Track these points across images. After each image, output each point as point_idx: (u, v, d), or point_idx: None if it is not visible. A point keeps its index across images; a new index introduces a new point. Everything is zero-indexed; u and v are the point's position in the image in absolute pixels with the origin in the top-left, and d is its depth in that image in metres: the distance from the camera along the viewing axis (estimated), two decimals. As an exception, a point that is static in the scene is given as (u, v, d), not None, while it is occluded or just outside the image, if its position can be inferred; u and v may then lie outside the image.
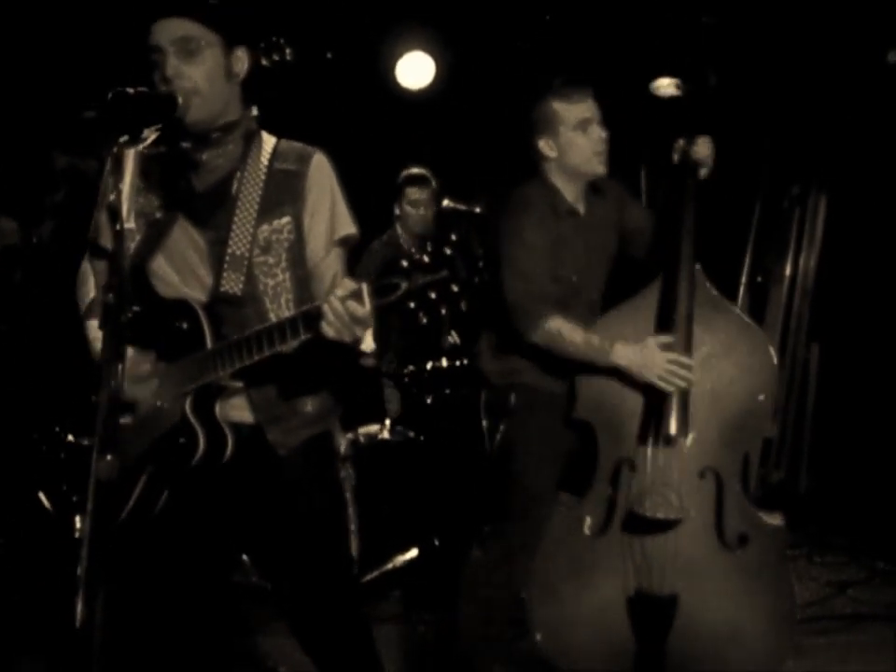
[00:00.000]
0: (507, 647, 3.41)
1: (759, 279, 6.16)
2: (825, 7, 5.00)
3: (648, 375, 3.08)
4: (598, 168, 3.32)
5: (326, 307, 2.14)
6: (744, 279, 6.15)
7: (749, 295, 6.14)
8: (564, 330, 3.14)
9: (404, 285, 2.03)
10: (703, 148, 3.25)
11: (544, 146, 3.31)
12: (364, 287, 2.09)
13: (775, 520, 3.19)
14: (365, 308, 2.09)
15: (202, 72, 2.34)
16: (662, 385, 3.07)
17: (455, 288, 2.02)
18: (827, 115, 5.64)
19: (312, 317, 2.17)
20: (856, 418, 5.70)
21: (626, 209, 3.50)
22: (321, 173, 2.49)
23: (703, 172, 3.26)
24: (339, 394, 2.60)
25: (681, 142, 3.28)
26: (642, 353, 3.09)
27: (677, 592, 3.11)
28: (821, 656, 3.81)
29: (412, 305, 2.03)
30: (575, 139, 3.27)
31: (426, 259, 2.02)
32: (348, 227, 2.51)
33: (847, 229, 5.87)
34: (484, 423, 3.55)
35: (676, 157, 3.29)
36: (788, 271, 6.16)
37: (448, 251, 2.02)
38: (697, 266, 3.19)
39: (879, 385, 5.60)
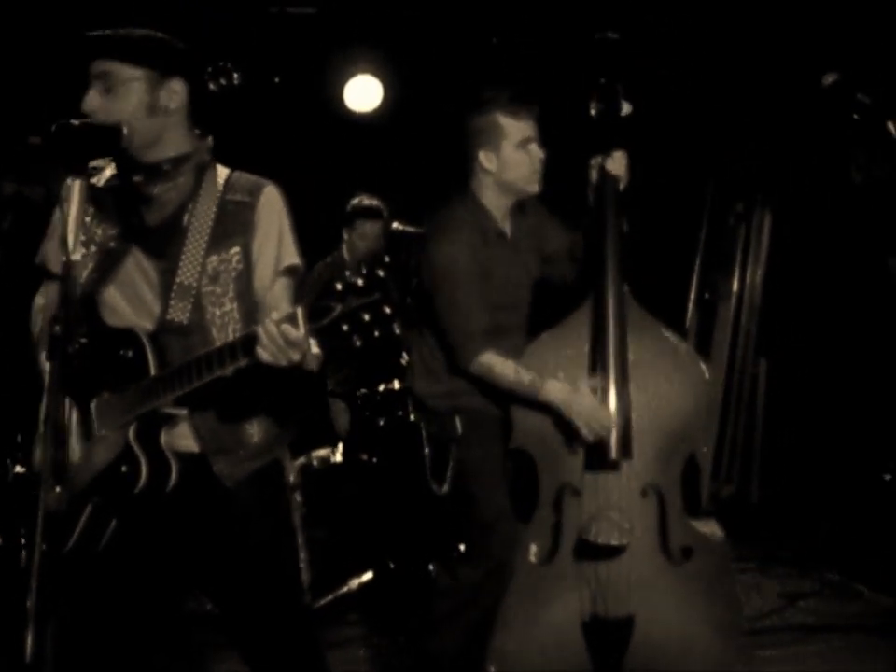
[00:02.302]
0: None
1: (706, 296, 6.24)
2: (767, 29, 5.09)
3: (573, 418, 3.08)
4: (534, 187, 3.33)
5: (261, 331, 2.15)
6: (692, 296, 6.23)
7: (698, 312, 6.22)
8: (496, 367, 3.16)
9: (338, 307, 2.04)
10: (618, 162, 3.25)
11: (484, 158, 3.29)
12: (298, 310, 2.10)
13: (711, 528, 3.24)
14: (300, 331, 2.10)
15: (117, 108, 2.34)
16: (584, 431, 3.07)
17: (388, 311, 2.02)
18: (770, 133, 5.74)
19: (249, 342, 2.18)
20: (804, 432, 5.79)
21: (547, 230, 3.49)
22: (271, 205, 2.49)
23: (621, 185, 3.27)
24: (286, 423, 2.60)
25: (597, 159, 3.28)
26: (572, 396, 3.09)
27: (632, 613, 3.12)
28: (773, 667, 3.87)
29: (345, 328, 2.04)
30: (516, 156, 3.26)
31: (359, 282, 2.04)
32: (293, 257, 2.51)
33: (791, 244, 5.97)
34: (427, 450, 3.55)
35: (593, 174, 3.29)
36: (735, 287, 6.24)
37: (381, 273, 2.03)
38: (625, 287, 3.20)
39: (826, 398, 5.69)
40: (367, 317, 2.02)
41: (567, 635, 3.16)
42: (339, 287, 2.04)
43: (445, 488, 3.44)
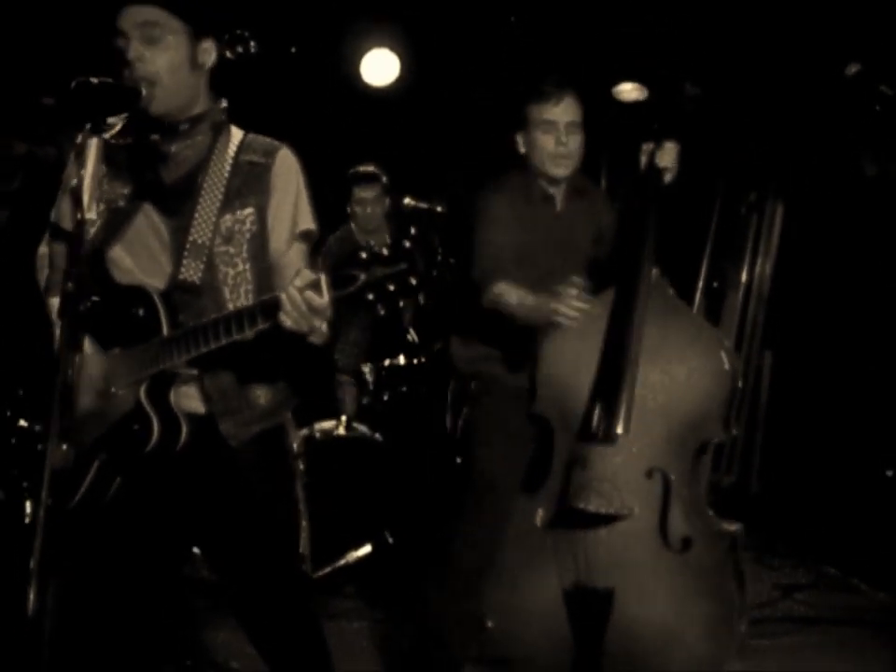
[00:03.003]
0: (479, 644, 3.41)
1: (715, 285, 6.22)
2: (786, 18, 5.05)
3: (553, 311, 3.00)
4: (555, 171, 3.35)
5: (284, 297, 2.14)
6: (700, 284, 6.21)
7: (705, 300, 6.20)
8: (504, 292, 3.17)
9: (363, 276, 2.03)
10: (669, 154, 3.27)
11: (519, 140, 3.38)
12: (323, 277, 2.10)
13: (730, 526, 3.21)
14: (323, 298, 2.10)
15: (164, 59, 2.33)
16: (563, 319, 2.99)
17: (414, 281, 2.02)
18: (784, 123, 5.71)
19: (270, 307, 2.17)
20: (807, 424, 5.78)
21: (602, 213, 3.54)
22: (287, 167, 2.49)
23: (667, 177, 3.28)
24: (293, 389, 2.60)
25: (649, 146, 3.31)
26: (551, 294, 3.04)
27: (612, 587, 3.12)
28: (766, 658, 3.86)
29: (370, 297, 2.04)
30: (537, 139, 3.33)
31: (385, 251, 2.03)
32: (309, 222, 2.51)
33: (802, 236, 5.95)
34: (449, 412, 3.58)
35: (643, 160, 3.32)
36: (744, 277, 6.23)
37: (407, 244, 2.03)
38: (656, 270, 3.22)
39: (831, 392, 5.68)
40: (392, 287, 2.02)
41: (549, 601, 3.19)
42: (363, 255, 2.03)
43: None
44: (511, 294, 3.17)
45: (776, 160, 6.02)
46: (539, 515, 3.22)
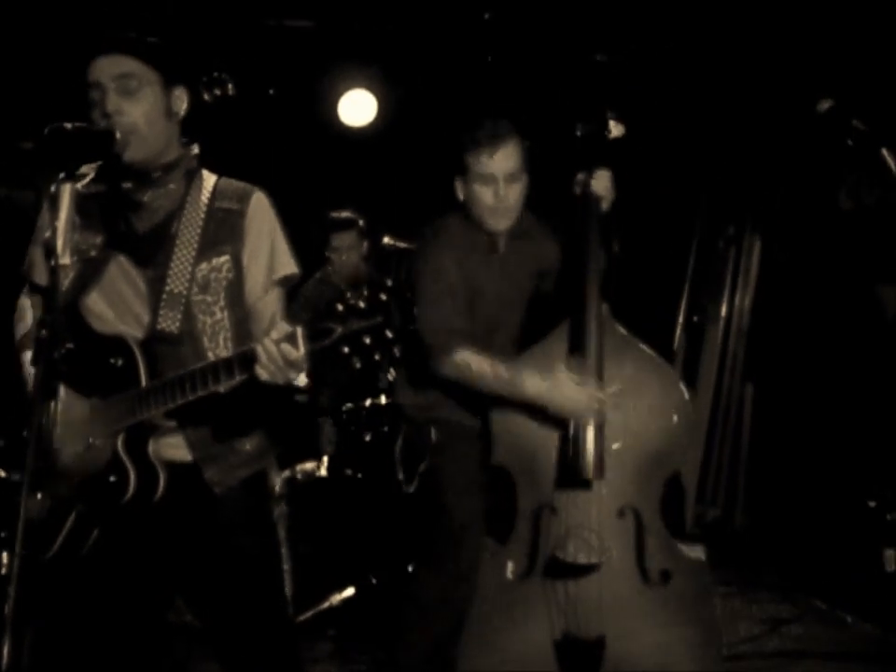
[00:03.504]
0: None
1: (695, 319, 6.25)
2: (760, 53, 5.11)
3: (559, 405, 3.05)
4: (495, 225, 3.29)
5: (260, 349, 2.13)
6: (680, 318, 6.24)
7: (686, 334, 6.22)
8: (472, 363, 3.12)
9: (339, 329, 2.03)
10: (602, 181, 3.26)
11: (458, 188, 3.31)
12: (299, 330, 2.09)
13: (696, 553, 3.20)
14: (299, 352, 2.09)
15: (141, 110, 2.34)
16: (574, 414, 3.04)
17: (390, 335, 2.02)
18: (760, 157, 5.76)
19: (246, 359, 2.16)
20: (790, 457, 5.78)
21: (544, 249, 3.47)
22: (261, 212, 2.49)
23: (604, 205, 3.27)
24: (275, 432, 2.58)
25: (581, 176, 3.29)
26: (552, 382, 3.06)
27: (603, 633, 3.08)
28: (755, 693, 3.85)
29: (345, 350, 2.03)
30: (476, 191, 3.25)
31: (361, 304, 2.03)
32: (288, 266, 2.51)
33: (781, 269, 5.98)
34: (398, 457, 3.54)
35: (577, 190, 3.30)
36: (723, 310, 6.25)
37: (383, 296, 2.03)
38: (605, 305, 3.19)
39: (813, 423, 5.69)
40: (368, 340, 2.01)
41: (538, 653, 3.13)
42: (340, 308, 2.03)
43: (412, 487, 3.45)
44: (479, 366, 3.12)
45: (753, 193, 6.07)
46: (510, 568, 3.17)
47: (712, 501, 6.15)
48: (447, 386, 3.25)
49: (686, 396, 3.17)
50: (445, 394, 3.28)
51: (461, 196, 3.31)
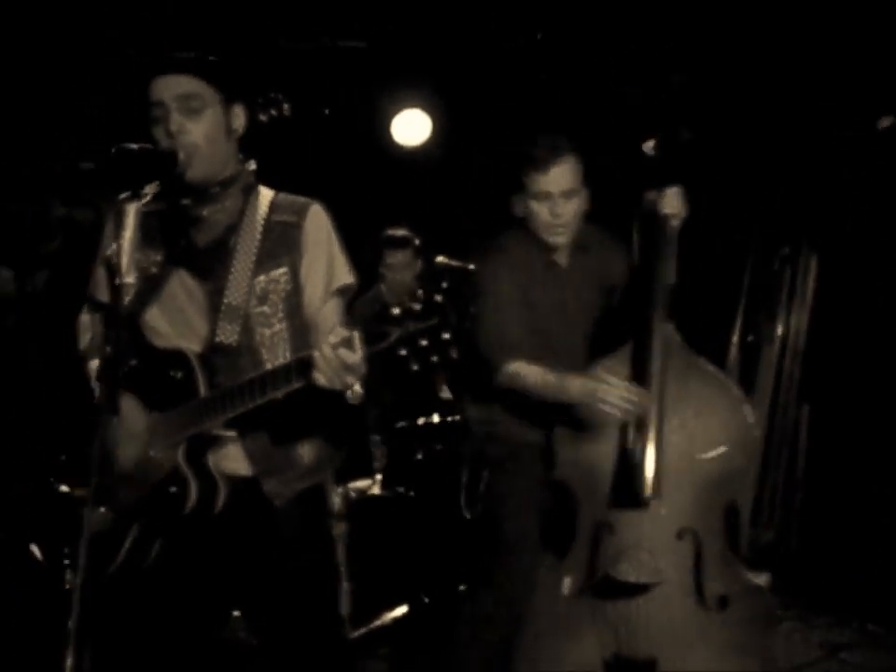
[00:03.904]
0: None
1: (750, 339, 6.18)
2: (819, 71, 5.07)
3: (602, 405, 3.03)
4: (552, 240, 3.32)
5: (317, 355, 2.15)
6: (735, 339, 6.18)
7: (741, 355, 6.16)
8: (521, 370, 3.17)
9: (396, 332, 2.03)
10: (672, 201, 3.21)
11: (515, 204, 3.34)
12: (356, 334, 2.11)
13: (759, 580, 3.16)
14: (356, 355, 2.10)
15: (203, 129, 2.38)
16: (612, 410, 3.02)
17: (446, 336, 2.02)
18: (818, 174, 5.71)
19: (304, 365, 2.18)
20: (847, 478, 5.70)
21: (611, 263, 3.48)
22: (318, 224, 2.51)
23: (674, 223, 3.23)
24: (335, 446, 2.60)
25: (651, 194, 3.27)
26: (594, 383, 3.05)
27: (655, 655, 3.06)
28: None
29: (402, 353, 2.03)
30: (532, 208, 3.29)
31: (416, 306, 2.03)
32: (346, 276, 2.53)
33: (837, 288, 5.91)
34: (465, 472, 3.55)
35: (646, 209, 3.28)
36: (779, 331, 6.18)
37: (439, 299, 2.03)
38: (672, 326, 3.18)
39: (870, 444, 5.61)
40: (424, 342, 2.01)
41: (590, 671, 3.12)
42: (396, 311, 2.03)
43: (476, 510, 3.45)
44: (529, 374, 3.16)
45: (808, 212, 6.01)
46: (566, 584, 3.17)
47: (767, 524, 6.07)
48: (509, 401, 3.27)
49: (750, 420, 3.13)
50: (507, 409, 3.30)
51: (518, 212, 3.33)
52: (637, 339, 3.18)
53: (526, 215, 3.31)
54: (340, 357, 2.12)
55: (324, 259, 2.50)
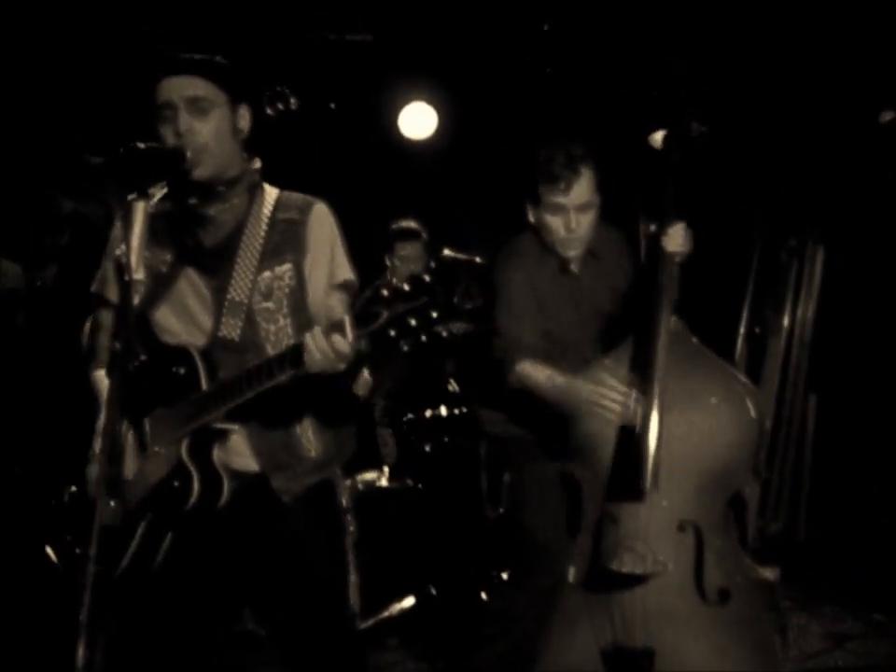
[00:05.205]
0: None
1: (756, 331, 6.18)
2: (823, 63, 5.07)
3: (597, 404, 3.06)
4: (565, 253, 3.32)
5: (308, 339, 2.18)
6: (742, 331, 6.18)
7: (747, 346, 6.16)
8: (531, 372, 3.20)
9: (385, 313, 2.06)
10: (677, 238, 3.12)
11: (529, 212, 3.34)
12: (346, 317, 2.14)
13: (768, 574, 3.15)
14: (347, 339, 2.12)
15: (210, 129, 2.41)
16: (607, 413, 3.05)
17: (435, 315, 2.03)
18: (823, 168, 5.70)
19: (296, 352, 2.21)
20: (854, 469, 5.71)
21: (624, 268, 3.50)
22: (322, 221, 2.54)
23: (678, 259, 3.14)
24: (342, 440, 2.62)
25: (648, 228, 3.27)
26: (591, 382, 3.08)
27: (652, 646, 3.04)
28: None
29: (392, 333, 2.05)
30: (548, 220, 3.28)
31: (405, 287, 2.05)
32: (347, 272, 2.55)
33: (844, 280, 5.91)
34: (484, 474, 3.57)
35: (649, 243, 3.27)
36: (785, 322, 6.19)
37: (427, 278, 2.04)
38: (675, 318, 3.15)
39: (877, 435, 5.61)
40: (413, 322, 2.03)
41: (588, 661, 3.13)
42: (385, 293, 2.06)
43: (500, 510, 3.48)
44: (537, 374, 3.19)
45: (815, 204, 6.01)
46: (571, 573, 3.18)
47: (774, 515, 6.08)
48: (523, 401, 3.29)
49: (754, 413, 3.09)
50: (522, 409, 3.32)
51: (532, 220, 3.33)
52: (643, 334, 3.16)
53: (540, 225, 3.31)
54: (331, 342, 2.15)
55: (327, 255, 2.53)
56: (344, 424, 2.60)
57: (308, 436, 2.51)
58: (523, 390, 3.24)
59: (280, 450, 2.48)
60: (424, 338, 2.04)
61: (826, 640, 4.56)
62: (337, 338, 2.15)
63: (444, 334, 2.07)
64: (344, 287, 2.55)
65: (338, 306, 2.52)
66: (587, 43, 5.47)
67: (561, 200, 3.22)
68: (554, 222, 3.26)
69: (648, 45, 5.34)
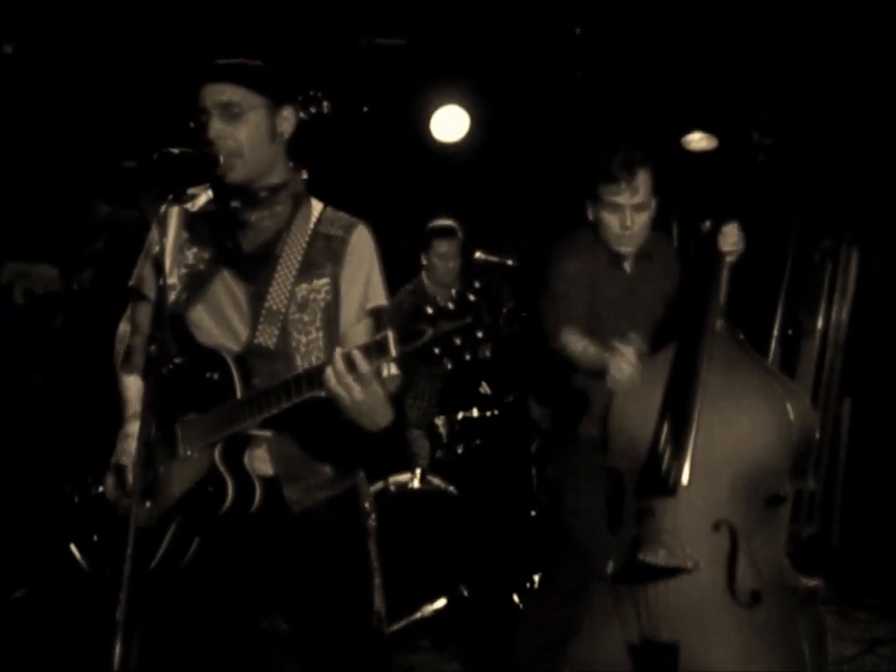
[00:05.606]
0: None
1: (790, 332, 6.15)
2: (860, 66, 5.05)
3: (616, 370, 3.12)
4: (620, 249, 3.44)
5: (337, 355, 2.18)
6: (776, 332, 6.15)
7: (781, 348, 6.13)
8: (572, 341, 3.29)
9: (429, 331, 2.05)
10: (731, 237, 3.21)
11: (588, 209, 3.46)
12: (389, 334, 2.12)
13: (809, 581, 3.13)
14: (391, 355, 2.11)
15: (245, 134, 2.41)
16: (613, 384, 3.11)
17: (480, 335, 2.03)
18: (857, 168, 5.67)
19: (320, 372, 2.22)
20: (888, 472, 5.66)
21: (673, 277, 3.57)
22: (363, 242, 2.55)
23: (731, 259, 3.23)
24: (361, 454, 2.61)
25: (706, 226, 3.32)
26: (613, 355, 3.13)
27: (677, 641, 3.05)
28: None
29: (436, 351, 2.05)
30: (604, 217, 3.40)
31: (450, 305, 2.05)
32: (380, 298, 2.55)
33: (878, 281, 5.87)
34: (534, 470, 3.62)
35: (703, 242, 3.32)
36: (819, 324, 6.15)
37: (472, 297, 2.04)
38: (723, 320, 3.18)
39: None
40: (458, 341, 2.03)
41: (615, 656, 3.15)
42: (430, 310, 2.05)
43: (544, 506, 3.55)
44: (577, 342, 3.28)
45: (849, 205, 5.97)
46: (610, 566, 3.20)
47: (808, 519, 6.04)
48: (571, 399, 3.39)
49: (792, 418, 3.07)
50: (569, 407, 3.42)
51: (591, 217, 3.45)
52: (688, 335, 3.19)
53: (598, 222, 3.43)
54: (350, 367, 2.15)
55: (363, 277, 2.53)
56: (364, 440, 2.58)
57: (326, 450, 2.52)
58: (562, 358, 3.32)
59: (295, 460, 2.48)
60: (468, 357, 2.04)
61: (858, 645, 4.53)
62: (359, 360, 2.14)
63: (487, 354, 2.07)
64: (374, 313, 2.54)
65: (365, 332, 2.49)
66: (618, 47, 5.47)
67: (618, 199, 3.35)
68: (611, 220, 3.38)
69: (679, 48, 5.34)
